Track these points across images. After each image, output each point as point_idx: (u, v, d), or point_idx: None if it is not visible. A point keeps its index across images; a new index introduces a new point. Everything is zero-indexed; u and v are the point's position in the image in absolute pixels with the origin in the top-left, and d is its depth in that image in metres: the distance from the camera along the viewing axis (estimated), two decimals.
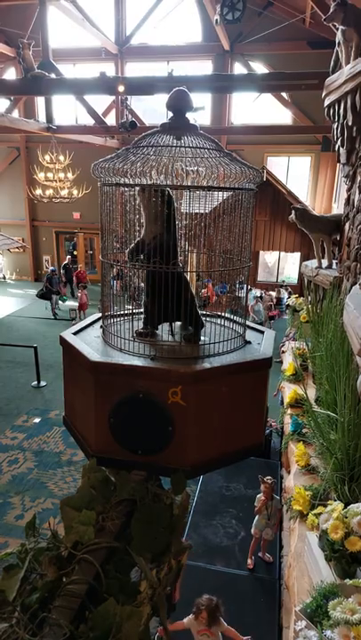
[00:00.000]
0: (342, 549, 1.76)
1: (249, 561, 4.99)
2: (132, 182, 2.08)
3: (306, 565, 2.08)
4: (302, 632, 1.47)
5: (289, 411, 3.50)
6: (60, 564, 1.69)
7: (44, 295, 15.25)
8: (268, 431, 7.14)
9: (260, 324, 11.01)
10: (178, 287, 2.14)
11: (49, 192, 14.50)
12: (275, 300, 14.65)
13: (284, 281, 17.46)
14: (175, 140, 2.13)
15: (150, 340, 2.25)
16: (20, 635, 1.42)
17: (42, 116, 14.20)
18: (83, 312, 14.41)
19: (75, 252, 20.72)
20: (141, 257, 2.25)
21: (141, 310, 2.48)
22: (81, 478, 2.09)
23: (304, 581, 1.99)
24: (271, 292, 15.67)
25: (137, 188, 2.16)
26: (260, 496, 4.71)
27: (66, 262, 18.54)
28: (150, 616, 1.91)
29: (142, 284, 2.79)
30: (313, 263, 4.90)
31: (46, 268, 20.91)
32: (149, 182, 2.03)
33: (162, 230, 2.20)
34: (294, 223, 4.71)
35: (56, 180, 14.33)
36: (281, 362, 5.12)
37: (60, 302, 15.56)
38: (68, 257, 19.35)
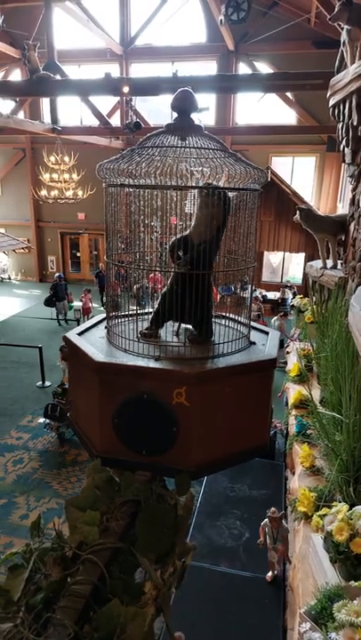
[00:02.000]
0: (347, 551, 1.75)
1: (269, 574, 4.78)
2: (137, 183, 2.08)
3: (311, 567, 2.07)
4: (307, 634, 1.46)
5: (294, 412, 3.49)
6: (64, 564, 1.69)
7: (49, 303, 14.84)
8: (272, 432, 7.13)
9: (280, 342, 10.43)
10: (203, 293, 2.14)
11: (54, 193, 14.55)
12: (263, 310, 13.65)
13: (288, 281, 17.41)
14: (180, 141, 2.13)
15: (155, 341, 2.25)
16: (24, 635, 1.43)
17: (47, 118, 14.24)
18: (87, 317, 14.00)
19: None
20: (181, 254, 2.21)
21: (146, 311, 2.48)
22: (85, 478, 2.09)
23: (309, 583, 1.99)
24: (259, 294, 15.21)
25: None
26: (266, 522, 4.48)
27: (99, 270, 17.37)
28: (154, 617, 1.91)
29: (147, 285, 2.79)
30: (318, 263, 4.88)
31: (51, 268, 20.98)
32: (155, 184, 2.03)
33: (212, 237, 2.18)
34: (299, 223, 4.69)
35: (61, 181, 14.37)
36: (286, 363, 5.11)
37: (64, 310, 15.04)
38: (101, 264, 18.08)
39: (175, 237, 2.28)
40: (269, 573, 4.78)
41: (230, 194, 2.20)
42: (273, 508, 4.39)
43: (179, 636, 4.13)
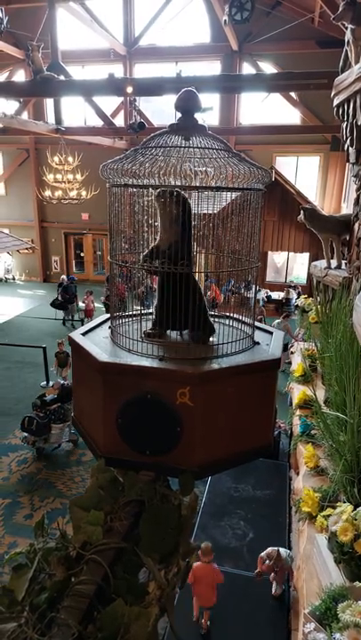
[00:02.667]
0: (352, 552, 1.75)
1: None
2: (140, 183, 2.08)
3: (315, 567, 2.07)
4: (311, 634, 1.46)
5: (298, 412, 3.48)
6: (68, 564, 1.69)
7: (59, 305, 14.50)
8: (276, 432, 7.11)
9: (285, 345, 10.14)
10: (187, 290, 2.14)
11: (58, 193, 14.59)
12: (265, 313, 13.36)
13: (292, 281, 17.38)
14: (184, 141, 2.13)
15: (159, 341, 2.25)
16: (28, 634, 1.43)
17: (51, 118, 14.30)
18: (90, 319, 14.02)
19: None
20: (156, 263, 2.24)
21: (150, 311, 2.48)
22: (89, 478, 2.09)
23: (313, 584, 1.98)
24: (264, 294, 15.07)
25: (152, 193, 2.15)
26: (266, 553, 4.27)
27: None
28: (158, 617, 1.91)
29: (152, 285, 2.79)
30: (322, 263, 4.87)
31: (55, 268, 21.02)
32: (159, 183, 2.03)
33: (177, 237, 2.19)
34: (303, 223, 4.68)
35: (65, 182, 14.42)
36: (290, 363, 5.10)
37: (72, 313, 14.85)
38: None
39: (144, 254, 2.30)
40: (275, 589, 4.66)
41: (233, 194, 2.20)
42: (269, 550, 4.16)
43: (206, 545, 4.20)
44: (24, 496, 6.80)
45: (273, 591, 4.61)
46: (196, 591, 4.47)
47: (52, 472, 7.42)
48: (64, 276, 16.41)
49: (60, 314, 14.99)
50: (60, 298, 14.66)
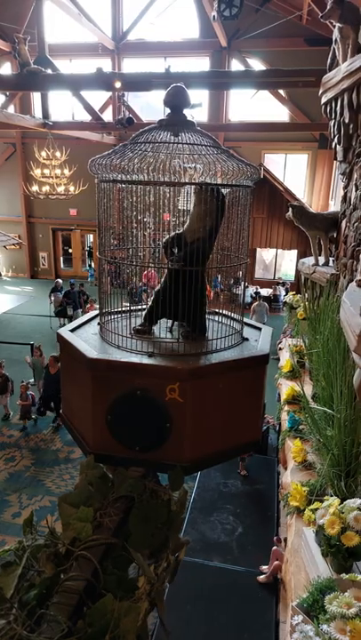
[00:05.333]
0: (339, 544, 1.77)
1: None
2: (129, 179, 2.07)
3: (303, 560, 2.09)
4: (299, 626, 1.48)
5: (286, 407, 3.51)
6: (57, 560, 1.69)
7: (62, 312, 13.58)
8: (265, 428, 7.17)
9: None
10: (195, 289, 2.14)
11: (45, 188, 14.42)
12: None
13: (280, 278, 17.48)
14: (173, 137, 2.13)
15: (148, 337, 2.25)
16: (17, 631, 1.43)
17: (38, 112, 14.12)
18: None
19: None
20: (176, 251, 2.22)
21: (139, 307, 2.47)
22: (78, 475, 2.09)
23: (301, 576, 2.01)
24: (253, 291, 15.23)
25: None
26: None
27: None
28: (148, 611, 1.92)
29: (141, 282, 2.79)
30: (310, 260, 4.90)
31: (43, 264, 20.81)
32: (148, 180, 2.03)
33: (205, 234, 2.18)
34: (291, 220, 4.71)
35: (53, 177, 14.25)
36: (278, 359, 5.14)
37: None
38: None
39: (169, 236, 2.28)
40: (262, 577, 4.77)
41: (224, 190, 2.21)
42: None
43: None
44: (12, 494, 6.75)
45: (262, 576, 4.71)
46: None
47: (41, 470, 7.38)
48: (59, 280, 15.28)
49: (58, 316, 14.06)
50: (63, 303, 13.68)
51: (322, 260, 4.71)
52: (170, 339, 2.30)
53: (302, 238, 14.99)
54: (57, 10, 14.47)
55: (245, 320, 2.57)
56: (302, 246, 15.65)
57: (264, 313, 12.73)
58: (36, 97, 17.44)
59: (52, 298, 14.44)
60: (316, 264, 4.70)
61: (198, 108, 15.43)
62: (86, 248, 21.38)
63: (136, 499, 1.99)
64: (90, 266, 20.63)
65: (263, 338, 2.42)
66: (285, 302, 6.21)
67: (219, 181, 2.09)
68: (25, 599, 1.55)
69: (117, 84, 8.59)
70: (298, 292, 6.07)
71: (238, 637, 4.25)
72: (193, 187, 2.16)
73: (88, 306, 13.42)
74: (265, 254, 17.85)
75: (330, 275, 4.16)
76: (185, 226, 2.27)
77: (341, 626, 1.40)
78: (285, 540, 4.14)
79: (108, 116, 16.33)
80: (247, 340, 2.40)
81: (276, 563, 4.47)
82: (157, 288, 2.29)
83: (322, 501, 2.02)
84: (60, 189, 14.45)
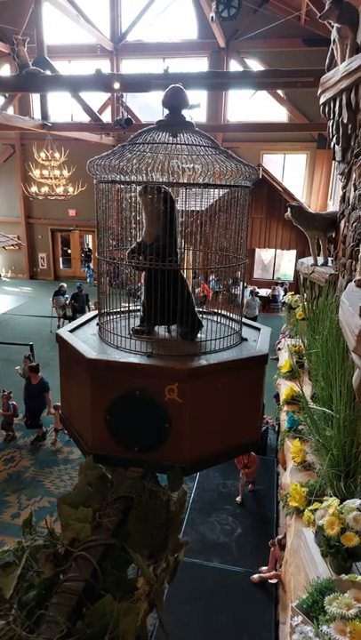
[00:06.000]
0: (338, 545, 1.77)
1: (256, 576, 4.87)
2: (127, 179, 2.08)
3: (302, 561, 2.09)
4: (299, 627, 1.48)
5: (285, 407, 3.51)
6: (56, 561, 1.69)
7: (70, 316, 13.34)
8: (264, 428, 7.16)
9: (253, 318, 10.75)
10: (174, 286, 2.14)
11: (44, 189, 14.42)
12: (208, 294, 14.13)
13: (279, 278, 17.48)
14: (171, 138, 2.13)
15: (147, 338, 2.25)
16: (16, 632, 1.42)
17: (37, 113, 14.10)
18: None
19: None
20: (140, 258, 2.24)
21: (138, 307, 2.48)
22: (78, 476, 2.09)
23: (300, 577, 2.00)
24: (251, 291, 15.29)
25: (137, 188, 2.15)
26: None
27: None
28: (147, 612, 1.92)
29: (139, 282, 2.79)
30: (309, 260, 4.91)
31: (42, 265, 20.79)
32: (146, 180, 2.03)
33: (162, 232, 2.19)
34: (290, 221, 4.71)
35: (51, 178, 14.25)
36: (277, 359, 5.14)
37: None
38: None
39: (130, 247, 2.29)
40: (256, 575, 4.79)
41: (220, 191, 2.21)
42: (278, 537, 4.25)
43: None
44: (11, 495, 6.74)
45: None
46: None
47: (40, 470, 7.37)
48: (64, 284, 14.84)
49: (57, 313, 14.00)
50: (71, 307, 13.52)
51: (321, 260, 4.71)
52: (169, 339, 2.30)
53: (301, 238, 15.00)
54: (55, 11, 14.47)
55: (244, 320, 2.57)
56: (301, 246, 15.66)
57: (256, 307, 13.34)
58: (35, 98, 17.44)
59: (55, 301, 14.06)
60: (315, 264, 4.70)
61: (197, 108, 15.40)
62: (85, 249, 21.37)
63: (135, 499, 1.99)
64: (88, 266, 20.63)
65: (262, 338, 2.42)
66: (284, 302, 6.21)
67: (217, 181, 2.10)
68: (24, 600, 1.55)
69: (116, 85, 8.60)
70: (297, 292, 6.06)
71: (238, 638, 4.25)
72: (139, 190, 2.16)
73: (93, 307, 13.22)
74: (264, 254, 17.86)
75: (329, 275, 4.16)
76: (143, 232, 2.29)
77: (341, 627, 1.40)
78: (280, 541, 4.18)
79: (106, 116, 16.33)
80: (246, 340, 2.40)
81: (273, 573, 4.50)
82: (142, 295, 2.31)
83: (321, 502, 2.02)
84: (59, 190, 14.46)
